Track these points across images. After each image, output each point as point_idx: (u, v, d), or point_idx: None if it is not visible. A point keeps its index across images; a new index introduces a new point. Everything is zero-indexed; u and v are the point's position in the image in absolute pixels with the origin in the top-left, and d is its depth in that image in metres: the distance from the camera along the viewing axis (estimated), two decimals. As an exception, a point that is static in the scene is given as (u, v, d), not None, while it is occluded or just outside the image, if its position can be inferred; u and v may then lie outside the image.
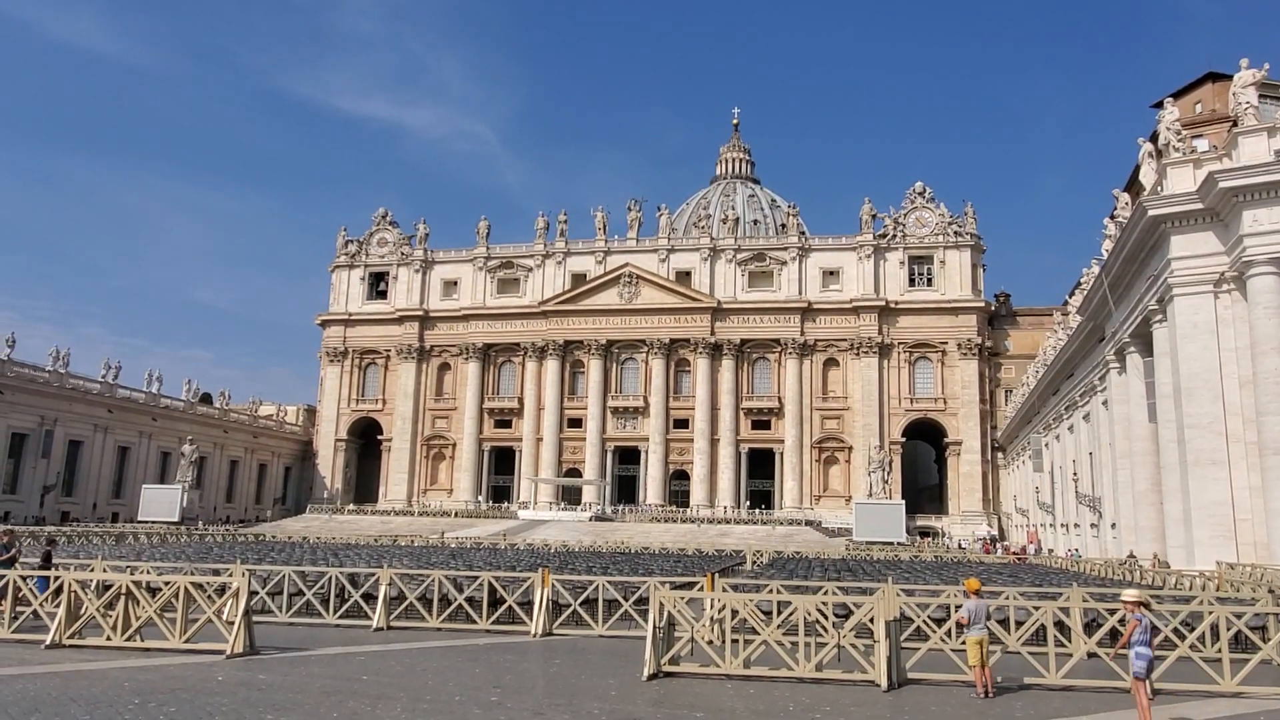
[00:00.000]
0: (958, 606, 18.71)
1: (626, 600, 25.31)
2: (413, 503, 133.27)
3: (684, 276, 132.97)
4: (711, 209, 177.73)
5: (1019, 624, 21.11)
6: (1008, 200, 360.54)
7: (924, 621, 20.73)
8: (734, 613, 19.35)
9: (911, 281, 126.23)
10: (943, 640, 19.23)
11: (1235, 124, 44.07)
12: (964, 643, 17.45)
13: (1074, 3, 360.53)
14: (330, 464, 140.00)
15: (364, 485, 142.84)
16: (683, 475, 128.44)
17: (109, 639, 20.47)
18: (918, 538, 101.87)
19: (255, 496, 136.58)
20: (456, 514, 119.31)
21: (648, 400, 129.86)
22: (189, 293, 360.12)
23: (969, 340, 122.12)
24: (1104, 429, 63.07)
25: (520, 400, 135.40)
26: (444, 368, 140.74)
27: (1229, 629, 19.29)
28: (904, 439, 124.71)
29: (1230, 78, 52.19)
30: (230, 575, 22.53)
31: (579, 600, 25.49)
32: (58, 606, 21.32)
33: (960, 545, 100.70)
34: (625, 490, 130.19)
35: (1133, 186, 74.28)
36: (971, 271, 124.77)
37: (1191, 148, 45.80)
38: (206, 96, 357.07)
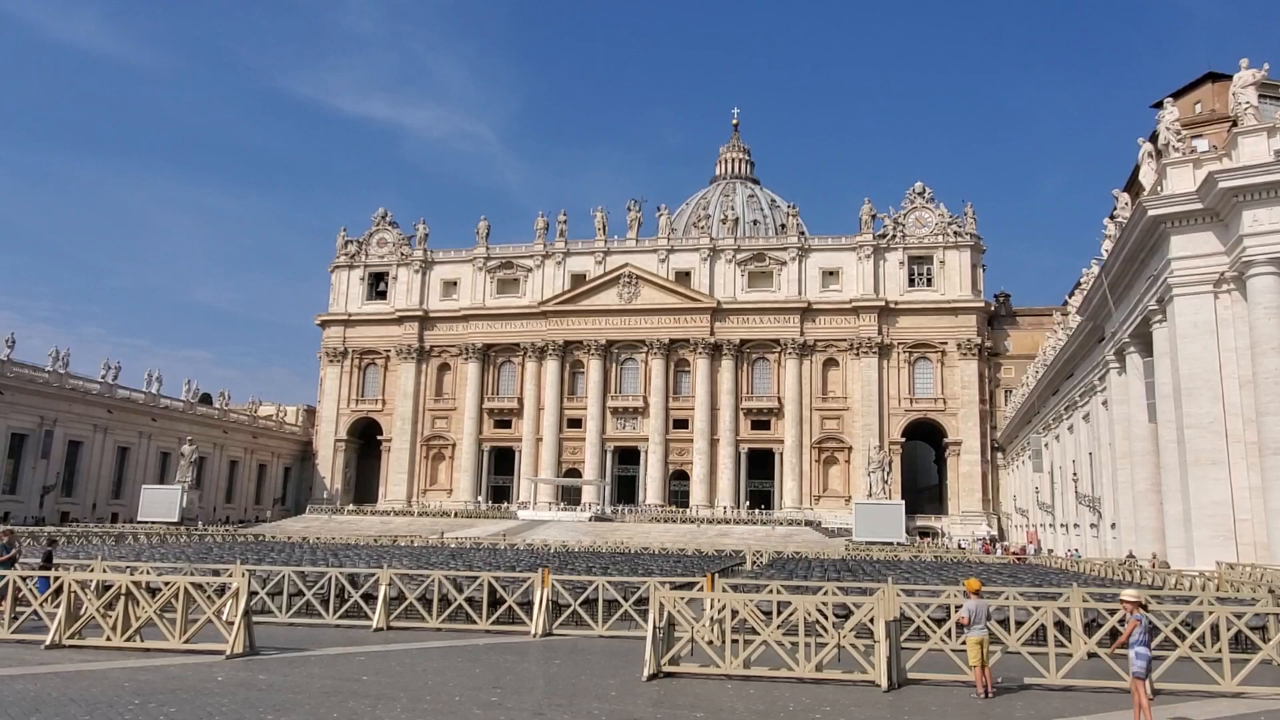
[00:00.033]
0: (958, 607, 18.70)
1: (626, 600, 25.30)
2: (412, 503, 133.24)
3: (683, 277, 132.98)
4: (711, 209, 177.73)
5: (1019, 624, 21.10)
6: (1008, 200, 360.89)
7: (924, 622, 20.72)
8: (734, 613, 19.34)
9: (911, 281, 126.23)
10: (943, 640, 19.22)
11: (1235, 124, 44.08)
12: (964, 643, 17.44)
13: (1074, 3, 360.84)
14: (330, 464, 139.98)
15: (364, 485, 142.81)
16: (682, 475, 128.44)
17: (109, 639, 20.46)
18: (917, 538, 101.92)
19: (255, 497, 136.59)
20: (456, 514, 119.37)
21: (647, 400, 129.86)
22: (189, 293, 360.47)
23: (969, 340, 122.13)
24: (1104, 429, 63.07)
25: (520, 400, 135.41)
26: (444, 368, 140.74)
27: (1229, 629, 19.29)
28: (904, 439, 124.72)
29: (1230, 78, 52.20)
30: (230, 575, 22.53)
31: (579, 600, 25.48)
32: (57, 607, 21.31)
33: (960, 545, 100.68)
34: (625, 490, 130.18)
35: (1133, 186, 74.30)
36: (971, 271, 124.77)
37: (1191, 148, 45.79)
38: (206, 96, 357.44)
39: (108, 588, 21.27)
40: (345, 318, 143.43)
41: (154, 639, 20.66)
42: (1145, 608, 15.19)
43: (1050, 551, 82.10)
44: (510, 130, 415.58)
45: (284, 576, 27.74)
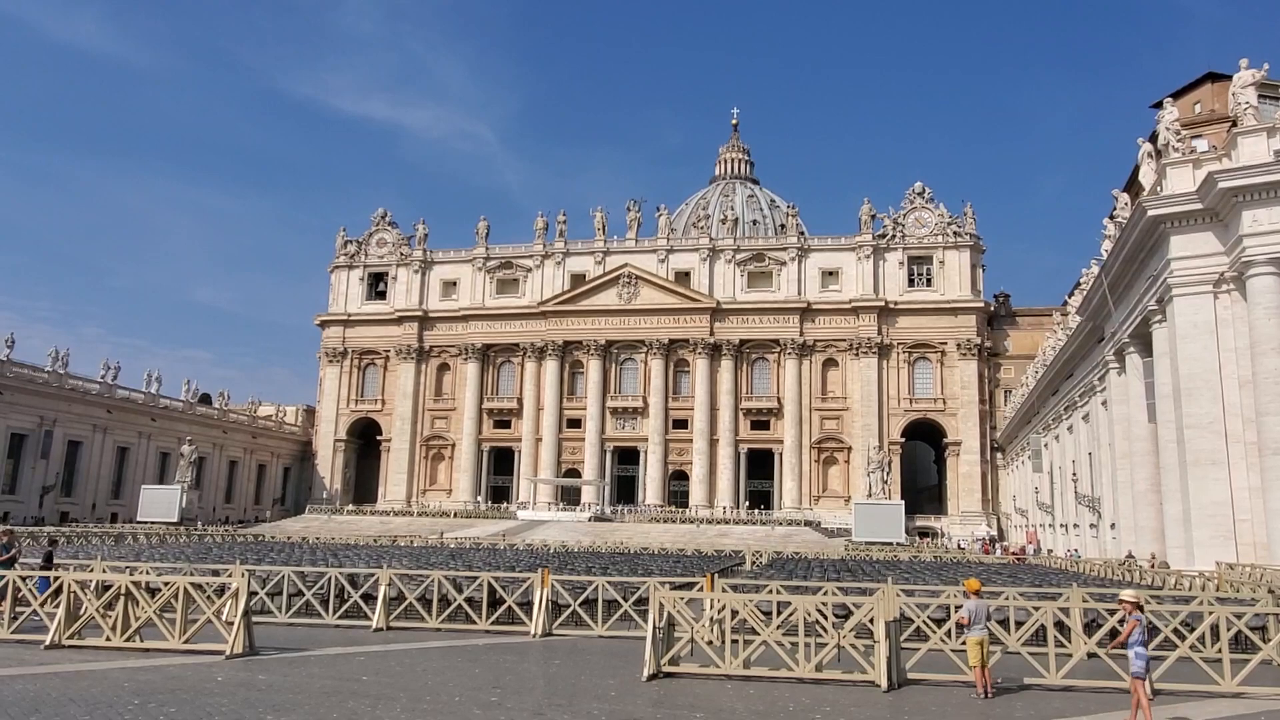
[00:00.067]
0: (958, 607, 18.69)
1: (626, 600, 25.29)
2: (412, 503, 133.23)
3: (683, 277, 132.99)
4: (711, 209, 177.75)
5: (1019, 624, 21.10)
6: (1008, 200, 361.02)
7: (924, 622, 20.71)
8: (734, 613, 19.33)
9: (911, 282, 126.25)
10: (943, 641, 19.21)
11: (1235, 124, 44.08)
12: (964, 643, 17.43)
13: (1074, 3, 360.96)
14: (329, 464, 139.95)
15: (363, 486, 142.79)
16: (682, 475, 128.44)
17: (108, 639, 20.45)
18: (917, 538, 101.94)
19: (254, 497, 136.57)
20: (456, 514, 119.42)
21: (647, 400, 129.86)
22: (188, 293, 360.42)
23: (968, 340, 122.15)
24: (1103, 429, 63.08)
25: (519, 401, 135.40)
26: (443, 368, 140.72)
27: (1229, 629, 19.28)
28: (903, 439, 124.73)
29: (1230, 78, 52.20)
30: (229, 576, 22.52)
31: (579, 601, 25.47)
32: (57, 607, 21.30)
33: (959, 545, 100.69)
34: (624, 490, 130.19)
35: (1132, 187, 74.30)
36: (971, 272, 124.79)
37: (1191, 148, 45.79)
38: (206, 97, 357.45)
39: (107, 588, 21.26)
40: (345, 318, 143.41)
41: (154, 639, 20.65)
42: (1142, 609, 15.20)
43: (1050, 552, 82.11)
44: (510, 130, 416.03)
45: (284, 576, 27.72)
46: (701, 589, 23.77)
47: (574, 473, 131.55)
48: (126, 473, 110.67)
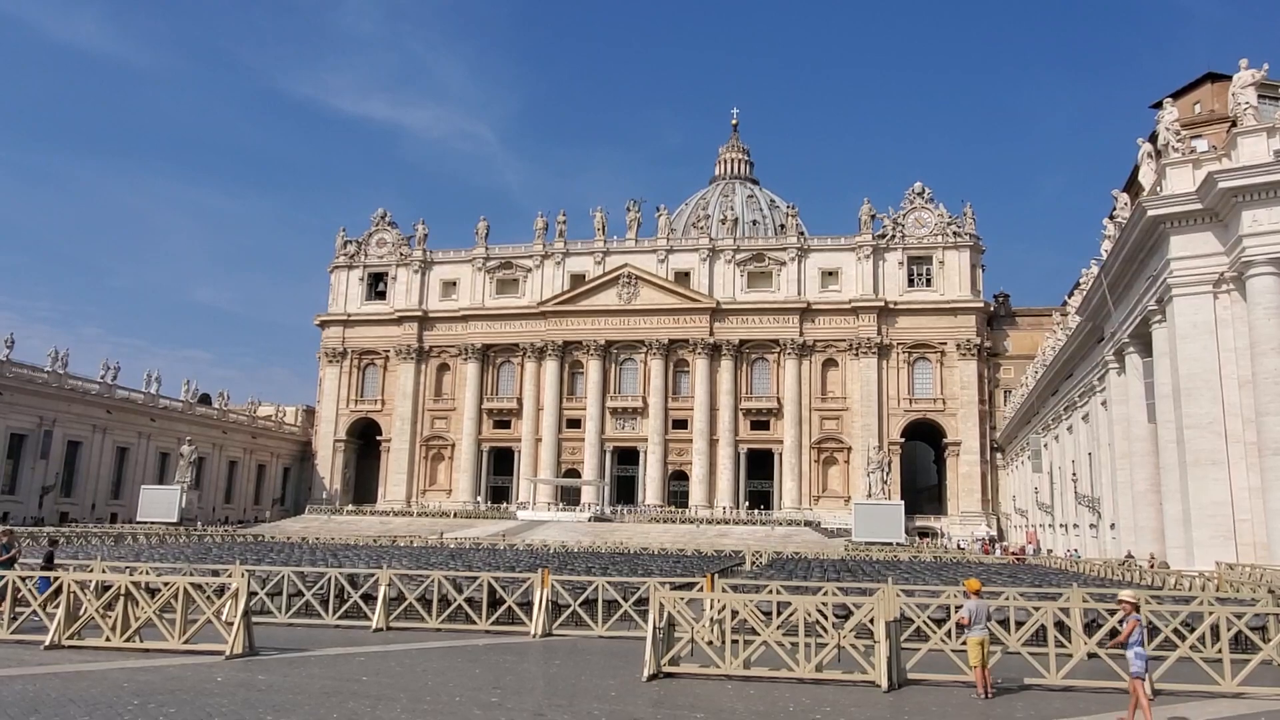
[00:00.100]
0: (958, 607, 18.68)
1: (626, 601, 25.27)
2: (412, 503, 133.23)
3: (683, 277, 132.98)
4: (710, 209, 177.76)
5: (1019, 624, 21.08)
6: (1007, 200, 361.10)
7: (924, 622, 20.71)
8: (734, 613, 19.31)
9: (910, 282, 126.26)
10: (943, 641, 19.21)
11: (1234, 124, 44.08)
12: (964, 643, 17.43)
13: (1074, 3, 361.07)
14: (329, 464, 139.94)
15: (363, 486, 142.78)
16: (681, 476, 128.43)
17: (108, 640, 20.43)
18: (916, 538, 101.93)
19: (254, 497, 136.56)
20: (455, 514, 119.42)
21: (646, 401, 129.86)
22: (188, 293, 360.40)
23: (968, 341, 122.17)
24: (1103, 429, 63.08)
25: (519, 401, 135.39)
26: (443, 368, 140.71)
27: (1229, 629, 19.28)
28: (903, 439, 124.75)
29: (1229, 78, 52.19)
30: (229, 576, 22.50)
31: (579, 601, 25.45)
32: (57, 607, 21.28)
33: (959, 546, 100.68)
34: (624, 491, 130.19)
35: (1132, 187, 74.30)
36: (970, 272, 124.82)
37: (1191, 148, 45.78)
38: (206, 97, 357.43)
39: (107, 588, 21.25)
40: (344, 318, 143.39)
41: (153, 639, 20.63)
42: (1138, 609, 15.21)
43: (1049, 552, 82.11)
44: (510, 130, 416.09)
45: (283, 577, 27.70)
46: (701, 589, 23.76)
47: (574, 473, 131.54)
48: (126, 473, 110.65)
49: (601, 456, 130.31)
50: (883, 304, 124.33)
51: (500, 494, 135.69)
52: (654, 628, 18.29)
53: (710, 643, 19.98)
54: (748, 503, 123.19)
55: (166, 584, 21.76)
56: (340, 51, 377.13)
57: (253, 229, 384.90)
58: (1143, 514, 52.18)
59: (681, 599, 19.48)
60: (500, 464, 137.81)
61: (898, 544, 79.88)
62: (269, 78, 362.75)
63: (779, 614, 19.79)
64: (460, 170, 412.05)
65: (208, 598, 22.43)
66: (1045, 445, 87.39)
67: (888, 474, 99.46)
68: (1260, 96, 45.68)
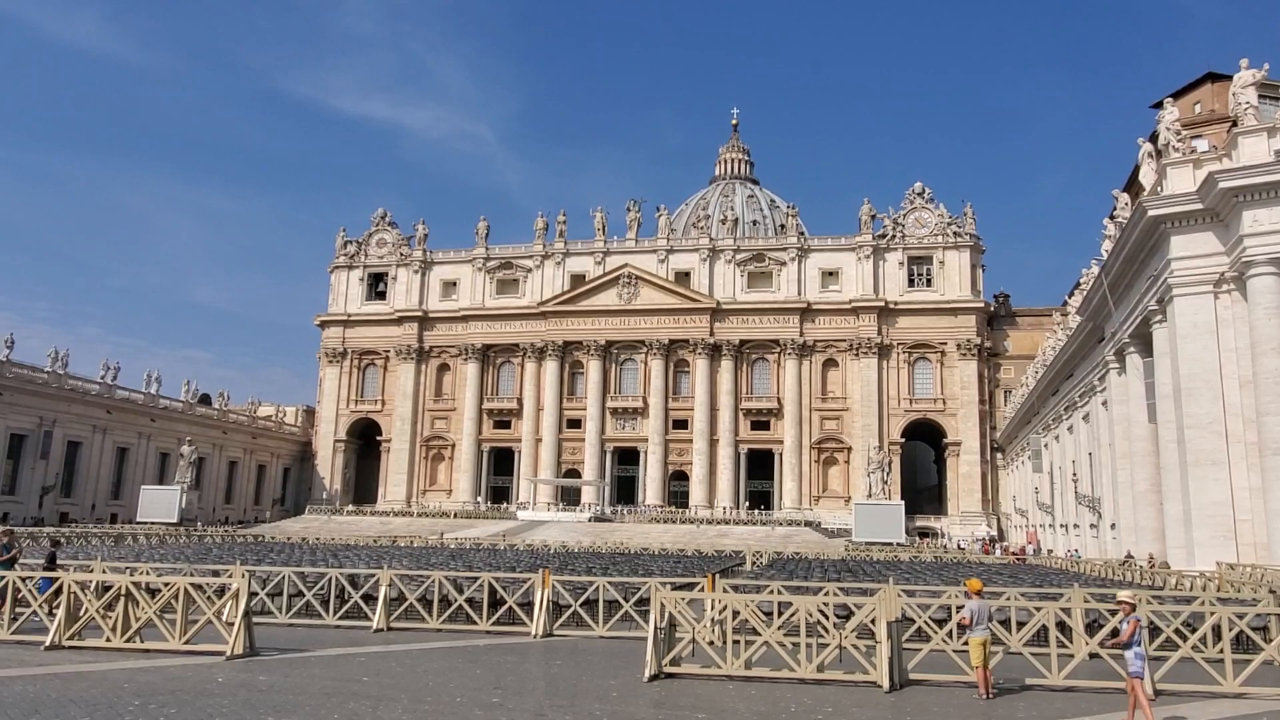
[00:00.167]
0: (959, 607, 18.67)
1: (627, 601, 25.26)
2: (412, 503, 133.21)
3: (683, 277, 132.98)
4: (710, 209, 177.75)
5: (1020, 625, 21.07)
6: (1008, 200, 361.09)
7: (925, 622, 20.69)
8: (735, 613, 19.30)
9: (911, 282, 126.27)
10: (944, 641, 19.20)
11: (1235, 124, 44.07)
12: (966, 643, 17.42)
13: (1074, 3, 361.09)
14: (329, 465, 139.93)
15: (363, 486, 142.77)
16: (682, 476, 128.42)
17: (109, 640, 20.42)
18: (917, 538, 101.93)
19: (254, 497, 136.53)
20: (456, 515, 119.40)
21: (647, 401, 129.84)
22: (188, 293, 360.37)
23: (968, 341, 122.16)
24: (1103, 429, 63.06)
25: (519, 401, 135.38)
26: (443, 368, 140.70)
27: (1231, 630, 19.26)
28: (903, 439, 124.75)
29: (1230, 78, 52.21)
30: (230, 576, 22.49)
31: (579, 601, 25.44)
32: (57, 607, 21.27)
33: (959, 546, 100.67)
34: (624, 491, 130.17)
35: (1132, 187, 74.31)
36: (971, 272, 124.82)
37: (1191, 148, 45.78)
38: (206, 97, 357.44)
39: (107, 588, 21.24)
40: (344, 318, 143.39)
41: (154, 640, 20.62)
42: (1134, 609, 15.21)
43: (1050, 552, 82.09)
44: (510, 130, 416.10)
45: (284, 577, 27.68)
46: (702, 589, 23.76)
47: (574, 473, 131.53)
48: (126, 473, 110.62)
49: (602, 457, 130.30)
50: (883, 304, 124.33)
51: (500, 494, 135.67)
52: (655, 628, 18.27)
53: (711, 643, 19.97)
54: (748, 503, 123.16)
55: (167, 584, 21.75)
56: (340, 51, 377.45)
57: (252, 229, 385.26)
58: (1143, 514, 52.18)
59: (682, 599, 19.46)
60: (500, 464, 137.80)
61: (898, 544, 79.89)
62: (269, 78, 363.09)
63: (780, 614, 19.79)
64: (460, 170, 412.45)
65: (208, 598, 22.43)
66: (1046, 445, 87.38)
67: (888, 474, 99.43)
68: (1260, 96, 45.66)
